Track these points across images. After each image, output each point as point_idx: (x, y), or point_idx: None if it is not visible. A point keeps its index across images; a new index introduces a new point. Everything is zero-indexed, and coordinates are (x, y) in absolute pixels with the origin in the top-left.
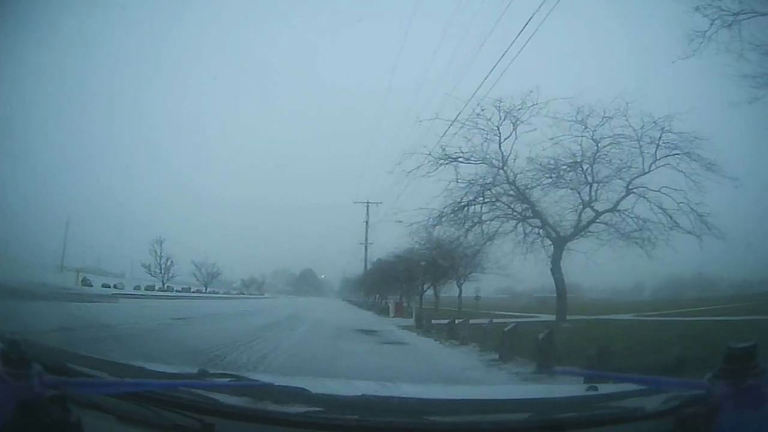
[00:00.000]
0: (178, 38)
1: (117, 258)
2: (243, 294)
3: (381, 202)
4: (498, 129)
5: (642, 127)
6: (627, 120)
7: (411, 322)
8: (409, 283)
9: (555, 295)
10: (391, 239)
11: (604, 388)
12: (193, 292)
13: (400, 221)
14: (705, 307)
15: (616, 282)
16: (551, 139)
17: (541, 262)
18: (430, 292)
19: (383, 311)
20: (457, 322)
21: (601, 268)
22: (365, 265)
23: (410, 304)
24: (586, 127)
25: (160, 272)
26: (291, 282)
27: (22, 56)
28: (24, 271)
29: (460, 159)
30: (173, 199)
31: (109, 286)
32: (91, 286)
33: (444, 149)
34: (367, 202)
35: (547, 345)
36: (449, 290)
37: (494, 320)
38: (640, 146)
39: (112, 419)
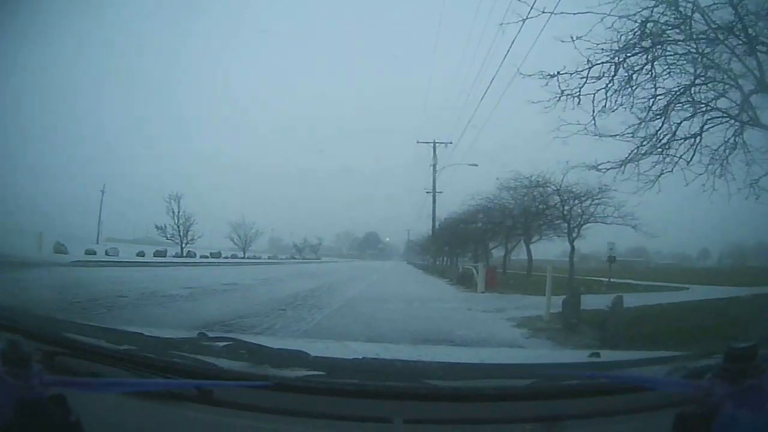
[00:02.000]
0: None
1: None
2: (294, 258)
3: (450, 142)
4: None
5: None
6: None
7: (524, 302)
8: (487, 241)
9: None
10: (464, 189)
11: (607, 356)
12: (228, 257)
13: (475, 164)
14: None
15: (682, 248)
16: None
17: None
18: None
19: (464, 281)
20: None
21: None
22: (433, 218)
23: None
24: None
25: (179, 234)
26: (354, 245)
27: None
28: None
29: None
30: (222, 165)
31: (94, 253)
32: (66, 253)
33: None
34: (434, 142)
35: None
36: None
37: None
38: None
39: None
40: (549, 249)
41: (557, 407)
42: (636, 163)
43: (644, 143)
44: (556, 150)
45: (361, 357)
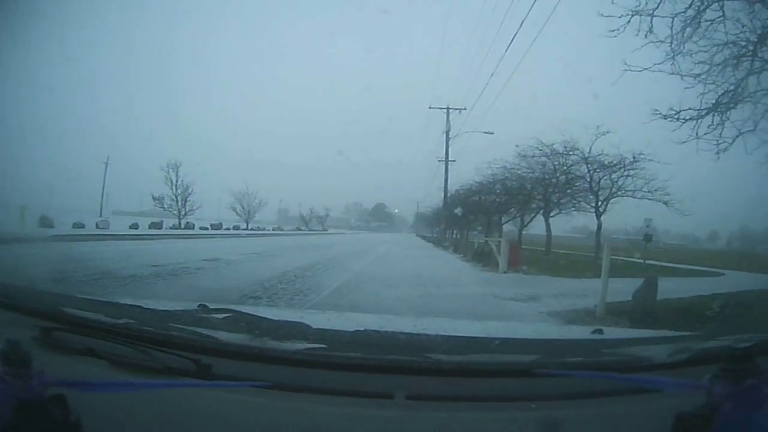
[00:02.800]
0: None
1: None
2: (300, 230)
3: (464, 108)
4: None
5: None
6: None
7: (559, 287)
8: (501, 214)
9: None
10: (479, 158)
11: (610, 333)
12: (230, 229)
13: (491, 132)
14: None
15: (692, 229)
16: None
17: None
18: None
19: (481, 258)
20: None
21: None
22: (445, 188)
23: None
24: None
25: (176, 204)
26: (363, 217)
27: None
28: None
29: None
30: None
31: (82, 226)
32: (52, 226)
33: None
34: (447, 108)
35: None
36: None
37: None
38: None
39: (104, 364)
40: (559, 224)
41: (561, 385)
42: (718, 114)
43: (735, 87)
44: (586, 109)
45: (363, 329)
